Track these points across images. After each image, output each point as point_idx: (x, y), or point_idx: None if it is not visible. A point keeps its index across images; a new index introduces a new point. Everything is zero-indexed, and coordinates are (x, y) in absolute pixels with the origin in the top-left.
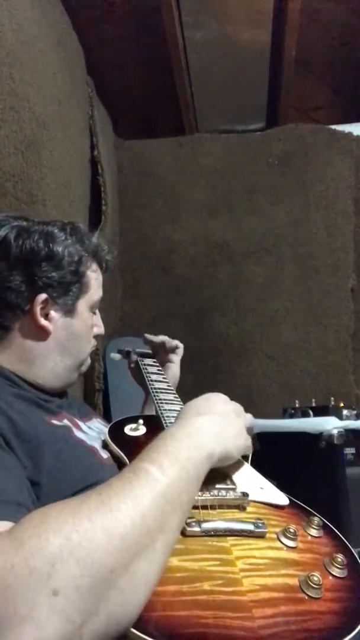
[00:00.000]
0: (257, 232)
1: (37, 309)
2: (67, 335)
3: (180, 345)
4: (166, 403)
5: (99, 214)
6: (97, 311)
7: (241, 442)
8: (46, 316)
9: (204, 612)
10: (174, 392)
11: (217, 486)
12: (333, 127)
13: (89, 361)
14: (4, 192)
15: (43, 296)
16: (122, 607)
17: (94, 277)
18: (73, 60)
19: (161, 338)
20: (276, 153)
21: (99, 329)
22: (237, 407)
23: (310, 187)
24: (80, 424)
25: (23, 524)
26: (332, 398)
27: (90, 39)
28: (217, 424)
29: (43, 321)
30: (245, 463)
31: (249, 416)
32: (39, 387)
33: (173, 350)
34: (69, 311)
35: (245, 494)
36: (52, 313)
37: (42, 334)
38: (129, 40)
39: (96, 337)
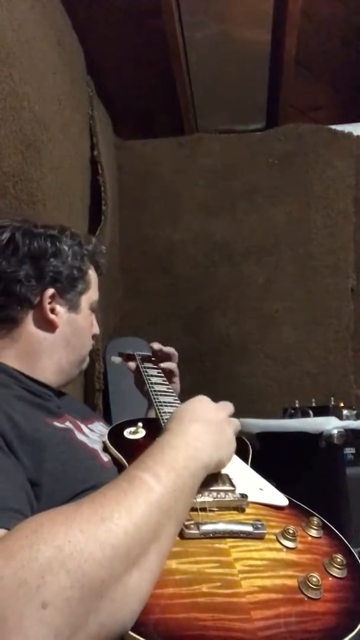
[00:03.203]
0: (257, 232)
1: (46, 303)
2: (72, 330)
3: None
4: (166, 405)
5: (99, 214)
6: (93, 313)
7: (232, 449)
8: (52, 311)
9: (203, 614)
10: (174, 394)
11: (216, 488)
12: (333, 127)
13: (88, 359)
14: (4, 192)
15: (51, 290)
16: (113, 617)
17: (93, 277)
18: (73, 60)
19: (167, 349)
20: (276, 153)
21: (95, 328)
22: (226, 411)
23: (310, 187)
24: (82, 426)
25: (15, 533)
26: (332, 398)
27: (90, 39)
28: (212, 432)
29: (51, 315)
30: (245, 464)
31: (236, 421)
32: (43, 384)
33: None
34: (74, 307)
35: (244, 496)
36: (58, 308)
37: (50, 327)
38: (129, 40)
39: (93, 336)
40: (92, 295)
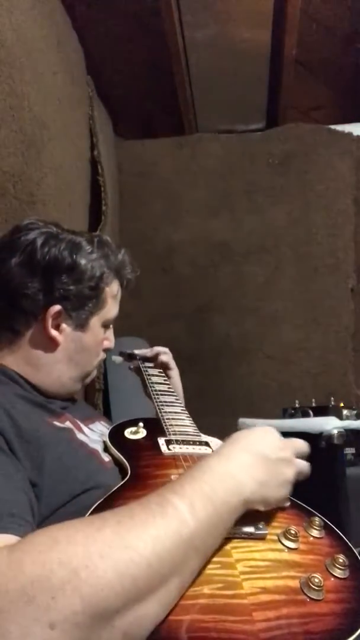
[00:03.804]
0: (257, 232)
1: (49, 320)
2: (76, 347)
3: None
4: (167, 405)
5: (99, 214)
6: (111, 326)
7: (282, 494)
8: (57, 327)
9: (205, 616)
10: (175, 394)
11: None
12: (333, 127)
13: (94, 373)
14: (4, 192)
15: (57, 307)
16: None
17: (112, 295)
18: (73, 60)
19: (156, 349)
20: (276, 153)
21: (110, 343)
22: (292, 450)
23: (310, 187)
24: (82, 426)
25: (27, 545)
26: (332, 398)
27: (90, 39)
28: (263, 469)
29: (53, 332)
30: None
31: (302, 464)
32: (42, 392)
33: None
34: (81, 325)
35: None
36: (64, 325)
37: (51, 344)
38: (128, 40)
39: (105, 350)
40: (107, 313)
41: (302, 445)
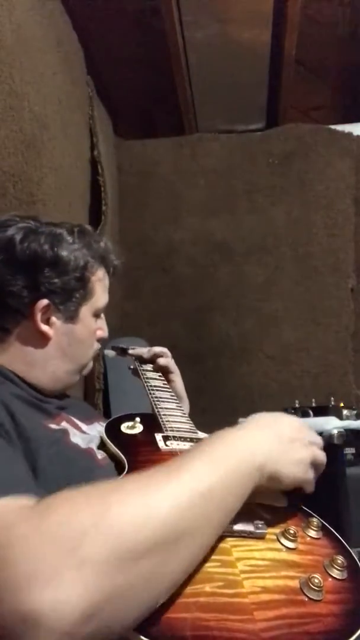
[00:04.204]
0: (257, 232)
1: (38, 315)
2: (68, 340)
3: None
4: (162, 401)
5: (99, 214)
6: (102, 315)
7: (297, 472)
8: (47, 321)
9: (206, 614)
10: (171, 390)
11: None
12: (333, 127)
13: (91, 365)
14: (4, 192)
15: (44, 302)
16: (145, 592)
17: (99, 283)
18: (73, 60)
19: (155, 349)
20: (276, 153)
21: (103, 332)
22: (309, 436)
23: (310, 187)
24: (80, 424)
25: (50, 499)
26: (332, 398)
27: (90, 38)
28: (276, 445)
29: (43, 327)
30: None
31: (320, 453)
32: (38, 389)
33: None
34: (71, 317)
35: None
36: (54, 318)
37: (42, 339)
38: (129, 40)
39: (99, 340)
40: (96, 302)
41: (319, 438)
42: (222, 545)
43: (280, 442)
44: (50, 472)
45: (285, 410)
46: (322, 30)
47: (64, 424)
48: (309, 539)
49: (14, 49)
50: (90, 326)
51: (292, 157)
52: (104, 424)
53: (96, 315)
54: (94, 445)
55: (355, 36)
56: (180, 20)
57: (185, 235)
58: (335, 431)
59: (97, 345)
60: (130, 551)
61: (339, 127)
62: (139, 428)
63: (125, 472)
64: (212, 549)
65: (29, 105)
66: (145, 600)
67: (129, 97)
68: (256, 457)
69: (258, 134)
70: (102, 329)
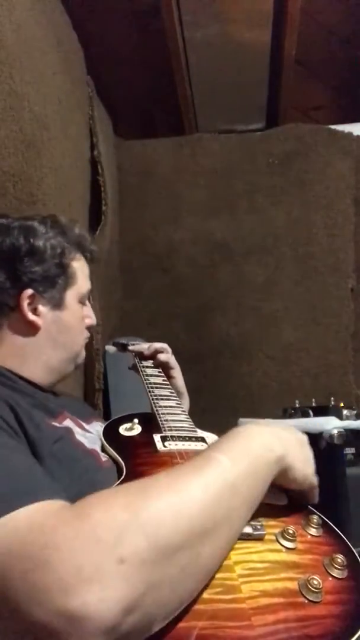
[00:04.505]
0: (257, 232)
1: (25, 304)
2: (58, 328)
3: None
4: (161, 399)
5: (99, 214)
6: (87, 302)
7: (308, 469)
8: (35, 311)
9: (203, 622)
10: (170, 387)
11: None
12: (333, 127)
13: (83, 353)
14: (4, 192)
15: (29, 291)
16: (182, 585)
17: (80, 268)
18: (73, 60)
19: (155, 345)
20: (276, 153)
21: (91, 320)
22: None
23: (310, 187)
24: (83, 423)
25: (87, 500)
26: (332, 398)
27: (90, 38)
28: (288, 440)
29: (32, 316)
30: None
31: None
32: (34, 384)
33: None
34: (57, 304)
35: None
36: (41, 307)
37: (32, 329)
38: (129, 40)
39: (89, 328)
40: (80, 287)
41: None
42: None
43: (291, 440)
44: (53, 469)
45: (285, 410)
46: (322, 30)
47: (67, 422)
48: (309, 537)
49: (14, 49)
50: (78, 312)
51: (292, 157)
52: (103, 425)
53: (81, 302)
54: (97, 447)
55: (355, 36)
56: (180, 20)
57: (185, 235)
58: (335, 431)
59: (86, 333)
60: (168, 545)
61: (339, 127)
62: (137, 429)
63: (124, 475)
64: None
65: (29, 105)
66: (182, 593)
67: (129, 97)
68: (274, 450)
69: (258, 134)
70: (89, 316)
